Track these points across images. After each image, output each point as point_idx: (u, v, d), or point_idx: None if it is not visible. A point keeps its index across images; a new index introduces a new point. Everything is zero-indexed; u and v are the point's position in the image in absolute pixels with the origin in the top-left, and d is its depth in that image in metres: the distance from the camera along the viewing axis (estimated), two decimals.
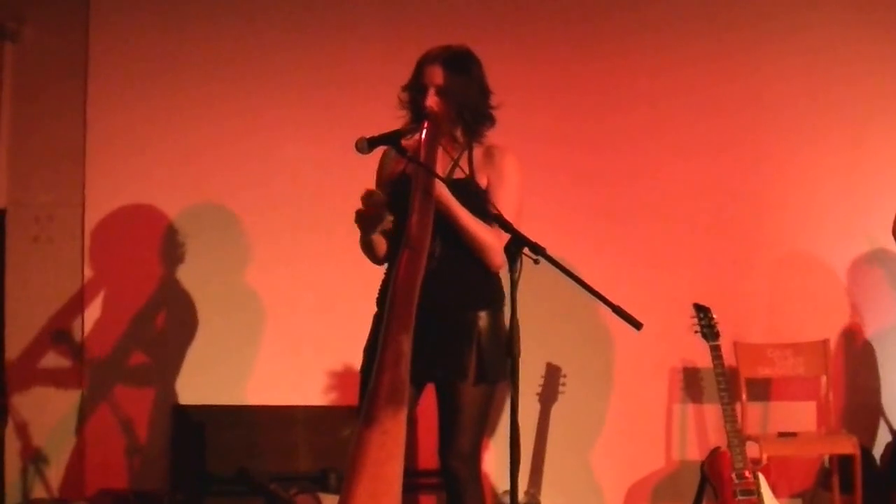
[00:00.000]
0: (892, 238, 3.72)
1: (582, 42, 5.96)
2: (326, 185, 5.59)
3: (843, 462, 5.61)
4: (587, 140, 5.90)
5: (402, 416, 3.45)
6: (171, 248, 5.62)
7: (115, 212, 5.65)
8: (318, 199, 5.62)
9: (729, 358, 5.59)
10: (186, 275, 5.65)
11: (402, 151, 3.63)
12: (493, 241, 3.76)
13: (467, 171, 3.82)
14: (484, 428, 3.85)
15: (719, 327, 5.36)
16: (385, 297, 3.76)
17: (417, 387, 3.74)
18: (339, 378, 5.64)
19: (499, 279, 3.86)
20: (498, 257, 3.78)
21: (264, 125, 5.74)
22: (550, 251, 3.30)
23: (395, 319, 3.50)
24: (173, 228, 5.66)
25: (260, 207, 5.71)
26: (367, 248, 3.86)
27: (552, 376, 5.70)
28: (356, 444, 3.44)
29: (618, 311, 3.20)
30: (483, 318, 3.80)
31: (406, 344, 3.47)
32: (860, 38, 6.03)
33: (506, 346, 3.34)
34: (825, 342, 5.85)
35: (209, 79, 5.73)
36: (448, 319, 3.75)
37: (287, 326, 5.67)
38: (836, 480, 5.68)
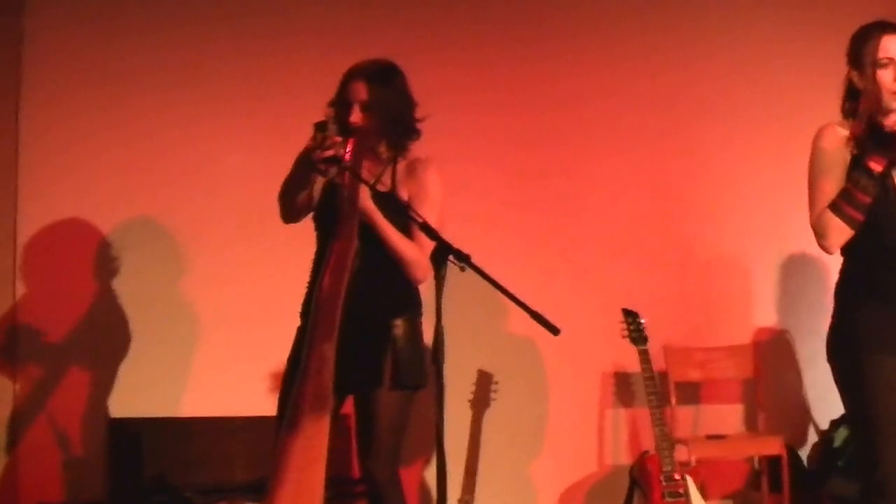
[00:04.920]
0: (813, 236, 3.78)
1: (514, 44, 6.02)
2: (263, 198, 5.59)
3: (773, 463, 5.71)
4: (517, 143, 5.95)
5: (326, 422, 3.54)
6: (106, 261, 5.60)
7: (50, 225, 5.61)
8: (254, 210, 5.59)
9: (659, 362, 5.67)
10: (121, 288, 5.62)
11: (337, 161, 3.70)
12: (415, 255, 3.84)
13: (390, 185, 3.88)
14: (402, 433, 3.92)
15: (649, 331, 5.45)
16: (308, 310, 3.83)
17: (338, 396, 3.79)
18: (276, 388, 5.63)
19: (416, 287, 3.94)
20: (419, 271, 3.86)
21: (203, 138, 5.71)
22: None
23: (319, 327, 3.58)
24: (108, 242, 5.63)
25: (196, 220, 5.68)
26: (293, 191, 3.85)
27: (483, 383, 5.73)
28: (280, 451, 3.52)
29: (536, 316, 3.25)
30: (399, 325, 3.88)
31: (329, 351, 3.56)
32: (787, 35, 6.14)
33: (431, 353, 3.37)
34: (753, 345, 5.96)
35: (147, 91, 5.69)
36: (364, 327, 3.81)
37: (223, 338, 5.64)
38: (765, 481, 5.77)
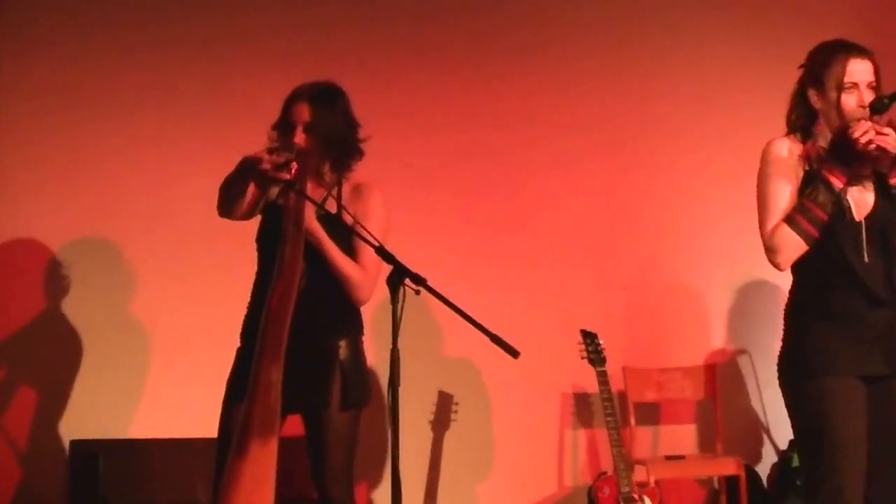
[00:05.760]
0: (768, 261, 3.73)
1: (460, 65, 6.04)
2: (216, 221, 5.56)
3: (731, 483, 5.74)
4: (467, 163, 5.97)
5: (273, 444, 3.59)
6: (58, 280, 5.56)
7: (3, 245, 5.58)
8: (208, 232, 5.55)
9: (618, 382, 5.69)
10: (78, 311, 5.58)
11: (289, 184, 3.72)
12: (359, 277, 3.87)
13: (335, 207, 3.89)
14: (353, 451, 3.94)
15: (607, 352, 5.47)
16: (248, 331, 3.86)
17: (282, 415, 3.79)
18: None
19: (357, 308, 3.96)
20: (362, 293, 3.89)
21: (158, 162, 5.69)
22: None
23: (266, 349, 3.62)
24: (62, 263, 5.58)
25: (151, 242, 5.66)
26: (236, 192, 3.81)
27: (444, 404, 5.75)
28: (228, 474, 3.56)
29: (495, 339, 3.27)
30: (343, 346, 3.89)
31: (276, 373, 3.61)
32: (742, 54, 6.20)
33: (388, 376, 3.37)
34: (711, 365, 5.98)
35: (103, 115, 5.67)
36: (310, 349, 3.82)
37: (181, 359, 5.62)
38: (723, 501, 5.80)
